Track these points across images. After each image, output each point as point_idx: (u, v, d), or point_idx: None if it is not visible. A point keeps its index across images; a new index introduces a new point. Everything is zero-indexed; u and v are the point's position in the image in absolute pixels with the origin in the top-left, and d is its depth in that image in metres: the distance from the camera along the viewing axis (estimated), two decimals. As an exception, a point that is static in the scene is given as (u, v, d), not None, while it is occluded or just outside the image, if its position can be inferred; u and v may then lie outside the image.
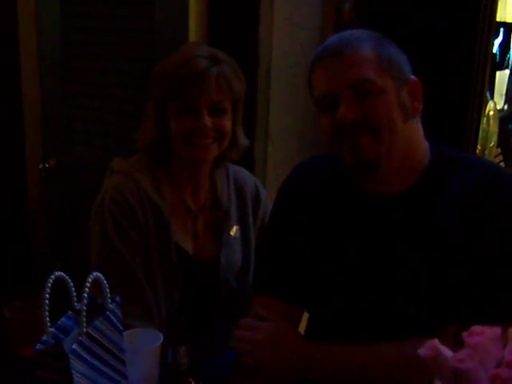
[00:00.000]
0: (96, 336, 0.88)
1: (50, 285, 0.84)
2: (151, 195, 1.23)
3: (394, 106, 0.98)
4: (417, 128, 1.04)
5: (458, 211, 0.97)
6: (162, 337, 1.00)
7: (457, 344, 0.87)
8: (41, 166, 2.20)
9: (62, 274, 0.86)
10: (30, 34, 2.15)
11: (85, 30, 2.06)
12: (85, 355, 0.85)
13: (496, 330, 0.67)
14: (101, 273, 0.91)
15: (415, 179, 1.03)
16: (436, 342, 0.67)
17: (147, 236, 1.22)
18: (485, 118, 1.92)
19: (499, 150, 2.17)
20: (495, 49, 1.99)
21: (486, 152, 1.97)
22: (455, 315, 0.93)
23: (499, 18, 1.87)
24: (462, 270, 0.95)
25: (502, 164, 2.26)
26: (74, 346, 0.83)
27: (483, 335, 0.66)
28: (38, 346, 0.83)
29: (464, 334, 0.66)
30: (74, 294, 0.90)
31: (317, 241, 1.08)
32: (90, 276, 0.88)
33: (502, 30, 2.07)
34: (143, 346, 0.99)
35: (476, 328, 0.67)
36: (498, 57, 2.09)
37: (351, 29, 1.07)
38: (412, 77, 1.03)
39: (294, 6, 1.72)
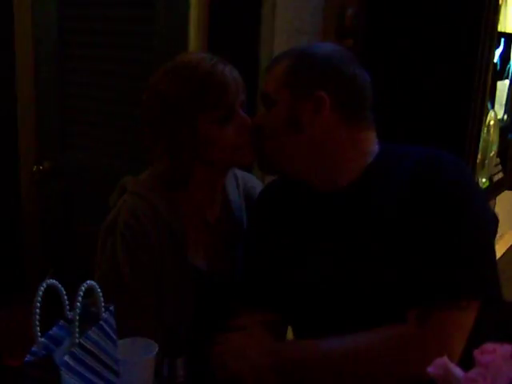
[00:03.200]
0: (89, 347, 0.84)
1: (41, 292, 0.81)
2: (168, 219, 1.16)
3: (280, 118, 1.06)
4: (345, 135, 1.06)
5: (400, 195, 1.00)
6: (156, 347, 0.97)
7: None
8: (35, 168, 2.18)
9: (54, 281, 0.83)
10: (25, 34, 2.12)
11: (81, 31, 2.04)
12: (77, 367, 0.82)
13: (507, 348, 0.65)
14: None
15: (359, 174, 1.06)
16: (446, 360, 0.64)
17: (161, 260, 1.15)
18: (485, 128, 1.91)
19: (499, 160, 2.16)
20: (496, 59, 1.98)
21: (486, 162, 1.96)
22: (415, 298, 0.95)
23: (500, 28, 1.87)
24: (411, 253, 0.96)
25: (500, 174, 2.25)
26: (65, 358, 0.80)
27: (494, 354, 0.64)
28: (28, 358, 0.79)
29: (475, 352, 0.64)
30: (67, 302, 0.87)
31: (286, 246, 1.12)
32: (84, 284, 0.85)
33: (502, 40, 2.07)
34: (137, 356, 0.96)
35: (487, 346, 0.64)
36: (498, 67, 2.08)
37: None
38: (321, 93, 1.04)
39: (296, 10, 1.71)
